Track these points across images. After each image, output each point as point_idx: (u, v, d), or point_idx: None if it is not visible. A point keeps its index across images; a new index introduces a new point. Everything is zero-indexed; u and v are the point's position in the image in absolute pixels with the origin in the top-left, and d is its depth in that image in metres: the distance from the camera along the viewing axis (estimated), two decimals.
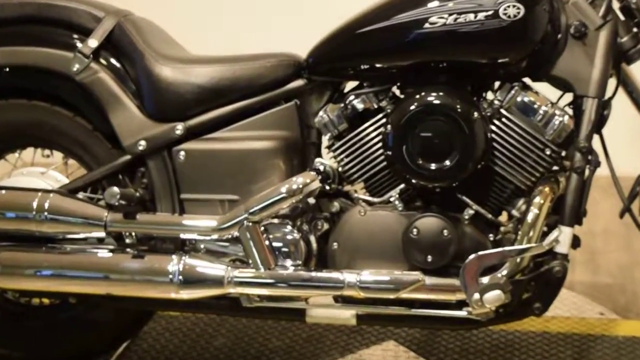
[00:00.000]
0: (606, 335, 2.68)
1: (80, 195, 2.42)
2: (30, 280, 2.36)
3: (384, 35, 2.17)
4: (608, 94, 2.23)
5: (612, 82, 2.27)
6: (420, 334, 2.70)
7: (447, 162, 2.12)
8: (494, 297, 2.08)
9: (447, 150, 2.13)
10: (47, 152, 2.56)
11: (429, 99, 2.14)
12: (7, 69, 2.42)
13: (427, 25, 2.12)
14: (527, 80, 2.25)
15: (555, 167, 2.24)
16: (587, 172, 2.18)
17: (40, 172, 2.51)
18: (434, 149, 2.13)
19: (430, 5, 2.12)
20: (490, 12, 2.09)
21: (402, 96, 2.25)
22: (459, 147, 2.12)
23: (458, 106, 2.12)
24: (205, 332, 2.77)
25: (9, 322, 2.59)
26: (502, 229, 2.23)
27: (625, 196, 2.30)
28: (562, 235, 2.14)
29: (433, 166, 2.13)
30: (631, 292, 3.04)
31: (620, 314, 2.90)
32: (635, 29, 2.24)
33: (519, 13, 2.08)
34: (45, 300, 2.62)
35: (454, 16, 2.10)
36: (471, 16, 2.10)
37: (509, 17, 2.08)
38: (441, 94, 2.14)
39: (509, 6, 2.08)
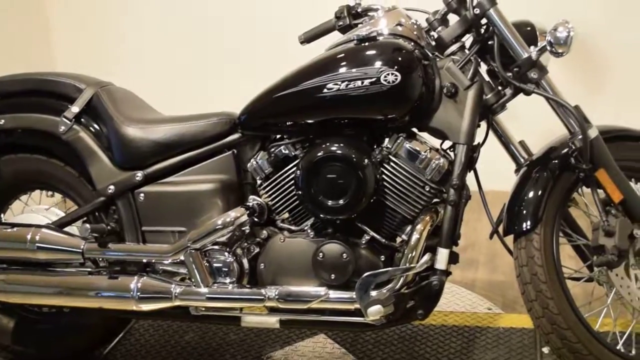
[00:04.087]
0: (490, 326, 2.48)
1: (71, 227, 2.26)
2: (30, 296, 2.22)
3: (295, 98, 2.01)
4: (479, 140, 2.06)
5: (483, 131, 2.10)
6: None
7: (342, 200, 1.95)
8: (375, 311, 1.91)
9: (344, 190, 1.96)
10: (50, 193, 2.40)
11: (330, 148, 1.97)
12: (13, 131, 2.26)
13: (325, 90, 1.95)
14: (415, 130, 2.06)
15: (436, 200, 2.04)
16: (461, 204, 1.99)
17: (45, 208, 2.36)
18: (333, 189, 1.97)
19: (328, 74, 1.96)
20: (373, 79, 1.91)
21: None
22: (353, 187, 1.95)
23: (352, 154, 1.96)
24: (180, 328, 2.60)
25: (26, 325, 2.43)
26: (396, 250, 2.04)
27: (494, 221, 2.11)
28: (440, 255, 1.97)
29: (332, 203, 1.96)
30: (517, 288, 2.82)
31: (509, 307, 2.69)
32: (499, 87, 2.06)
33: (396, 79, 1.91)
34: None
35: (346, 82, 1.93)
36: (359, 83, 1.92)
37: (389, 82, 1.91)
38: (340, 144, 1.98)
39: (388, 74, 1.90)
